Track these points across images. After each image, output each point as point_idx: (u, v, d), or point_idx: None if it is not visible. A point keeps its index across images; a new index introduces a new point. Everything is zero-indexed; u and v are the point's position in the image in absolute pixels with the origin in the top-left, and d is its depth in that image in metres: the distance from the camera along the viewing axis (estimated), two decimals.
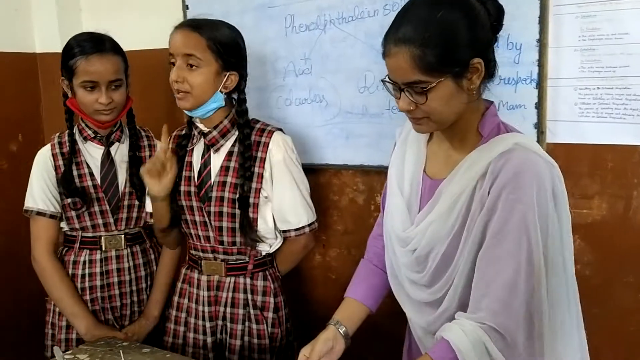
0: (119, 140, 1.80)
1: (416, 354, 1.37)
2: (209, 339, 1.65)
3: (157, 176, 1.59)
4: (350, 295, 1.41)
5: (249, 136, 1.60)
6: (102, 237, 1.77)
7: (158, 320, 1.83)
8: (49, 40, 2.44)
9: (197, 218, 1.63)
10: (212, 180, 1.61)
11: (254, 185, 1.59)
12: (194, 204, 1.63)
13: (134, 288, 1.82)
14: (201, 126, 1.63)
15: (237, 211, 1.58)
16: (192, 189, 1.63)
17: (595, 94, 1.54)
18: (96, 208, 1.75)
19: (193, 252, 1.70)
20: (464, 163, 1.17)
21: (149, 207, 1.73)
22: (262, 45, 2.02)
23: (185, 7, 2.20)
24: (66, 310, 1.74)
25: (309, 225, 1.67)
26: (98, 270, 1.76)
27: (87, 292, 1.76)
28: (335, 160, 1.96)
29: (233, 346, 1.64)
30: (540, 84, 1.58)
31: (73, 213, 1.74)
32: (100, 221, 1.76)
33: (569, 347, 1.21)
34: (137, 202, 1.79)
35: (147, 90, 2.14)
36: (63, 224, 1.78)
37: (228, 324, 1.65)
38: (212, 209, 1.60)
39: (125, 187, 1.78)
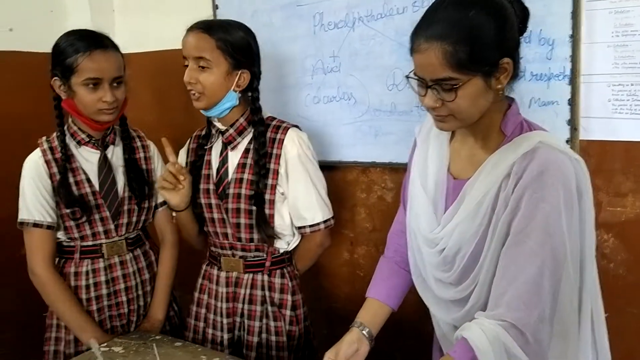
0: (113, 143, 1.73)
1: (441, 350, 1.37)
2: (226, 336, 1.67)
3: (174, 189, 1.60)
4: (373, 295, 1.41)
5: (263, 133, 1.61)
6: (104, 245, 1.70)
7: (163, 322, 1.79)
8: None
9: (216, 215, 1.65)
10: (230, 177, 1.63)
11: (269, 181, 1.60)
12: (213, 201, 1.65)
13: (140, 292, 1.78)
14: (218, 125, 1.65)
15: (254, 208, 1.60)
16: (211, 186, 1.65)
17: (629, 90, 1.51)
18: (96, 215, 1.67)
19: (213, 249, 1.72)
20: (487, 164, 1.16)
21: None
22: (290, 44, 2.04)
23: (215, 7, 2.23)
24: (71, 323, 1.66)
25: (324, 222, 1.66)
26: (103, 279, 1.70)
27: (94, 302, 1.70)
28: (363, 158, 1.96)
29: (250, 343, 1.65)
30: (573, 80, 1.56)
31: (72, 222, 1.65)
32: (100, 229, 1.68)
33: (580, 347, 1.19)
34: (136, 207, 1.74)
35: (175, 89, 2.16)
36: (60, 234, 1.68)
37: (246, 321, 1.66)
38: (230, 205, 1.62)
39: (124, 191, 1.72)
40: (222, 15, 2.19)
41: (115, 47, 1.65)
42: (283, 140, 1.61)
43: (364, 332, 1.34)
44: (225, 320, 1.67)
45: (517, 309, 1.07)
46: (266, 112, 1.67)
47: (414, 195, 1.31)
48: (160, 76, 2.45)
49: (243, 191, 1.61)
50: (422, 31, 1.10)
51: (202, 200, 1.66)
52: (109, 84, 1.60)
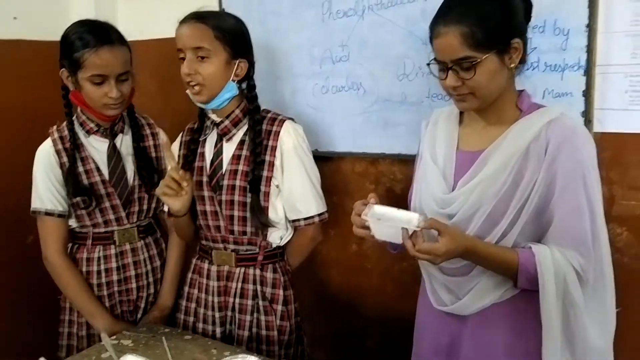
0: (122, 132, 1.75)
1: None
2: (218, 329, 1.65)
3: (175, 195, 1.55)
4: None
5: (259, 122, 1.60)
6: (115, 232, 1.73)
7: (171, 310, 1.81)
8: None
9: (208, 208, 1.63)
10: (224, 169, 1.61)
11: (265, 173, 1.58)
12: (206, 193, 1.63)
13: (151, 280, 1.80)
14: (213, 117, 1.63)
15: (248, 200, 1.58)
16: (204, 178, 1.63)
17: None
18: (107, 204, 1.70)
19: (204, 242, 1.70)
20: (509, 132, 1.25)
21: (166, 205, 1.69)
22: (298, 32, 2.00)
23: None
24: (83, 308, 1.72)
25: (319, 215, 1.65)
26: (114, 265, 1.74)
27: (105, 287, 1.74)
28: (372, 149, 1.93)
29: (241, 337, 1.64)
30: (589, 71, 1.52)
31: (83, 211, 1.69)
32: (112, 216, 1.72)
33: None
34: (146, 195, 1.76)
35: (179, 77, 2.14)
36: (72, 222, 1.73)
37: (237, 315, 1.65)
38: (224, 197, 1.60)
39: (134, 179, 1.74)
40: (229, 1, 2.15)
41: (122, 42, 1.64)
42: (279, 132, 1.60)
43: None
44: (217, 314, 1.66)
45: (582, 257, 1.17)
46: (261, 105, 1.65)
47: (425, 167, 1.40)
48: (164, 64, 2.40)
49: (237, 183, 1.59)
50: (440, 19, 1.23)
51: (196, 193, 1.64)
52: (114, 80, 1.60)
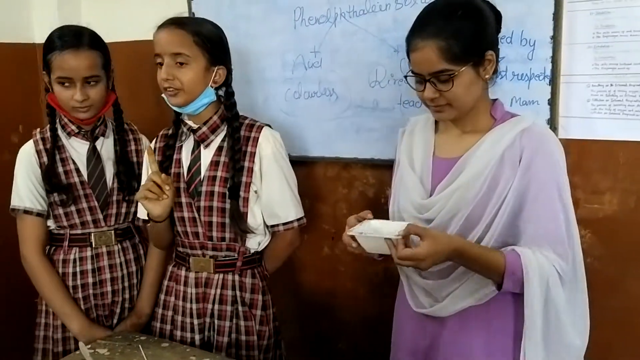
0: (103, 135, 1.77)
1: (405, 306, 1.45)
2: (197, 337, 1.64)
3: (156, 199, 1.55)
4: None
5: (237, 129, 1.61)
6: (92, 234, 1.74)
7: (149, 317, 1.80)
8: (48, 30, 2.34)
9: (186, 214, 1.62)
10: (202, 175, 1.61)
11: (244, 179, 1.59)
12: (183, 199, 1.62)
13: (126, 284, 1.79)
14: (190, 123, 1.63)
15: (227, 205, 1.59)
16: (182, 184, 1.63)
17: (608, 91, 1.55)
18: (84, 205, 1.71)
19: (180, 249, 1.69)
20: (485, 140, 1.31)
21: (141, 213, 1.70)
22: (270, 37, 2.01)
23: None
24: (58, 310, 1.72)
25: (298, 220, 1.67)
26: (89, 267, 1.74)
27: (79, 290, 1.73)
28: (345, 154, 1.96)
29: (220, 343, 1.64)
30: (554, 81, 1.59)
31: (61, 211, 1.70)
32: (89, 218, 1.72)
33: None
34: (125, 198, 1.77)
35: (147, 80, 2.11)
36: (50, 223, 1.74)
37: (216, 321, 1.64)
38: (202, 203, 1.60)
39: (113, 182, 1.75)
40: (198, 4, 2.14)
41: (93, 46, 1.64)
42: (258, 138, 1.62)
43: None
44: (195, 321, 1.65)
45: (562, 259, 1.23)
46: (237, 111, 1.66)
47: (403, 174, 1.43)
48: (130, 68, 2.38)
49: (216, 189, 1.59)
50: (417, 33, 1.27)
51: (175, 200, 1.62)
52: (81, 83, 1.62)
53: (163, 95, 1.58)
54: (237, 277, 1.65)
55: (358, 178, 2.00)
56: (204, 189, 1.60)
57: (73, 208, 1.70)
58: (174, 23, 1.54)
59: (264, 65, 2.04)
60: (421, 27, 1.26)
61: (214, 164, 1.61)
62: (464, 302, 1.29)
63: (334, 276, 2.13)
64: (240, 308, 1.64)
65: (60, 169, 1.70)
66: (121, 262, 1.78)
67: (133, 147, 1.81)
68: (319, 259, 2.14)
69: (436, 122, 1.44)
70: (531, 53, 1.60)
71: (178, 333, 1.68)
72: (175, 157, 1.66)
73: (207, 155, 1.63)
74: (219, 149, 1.62)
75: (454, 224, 1.29)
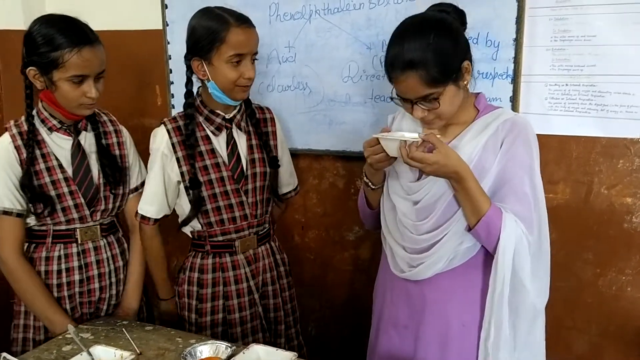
0: (85, 129, 1.68)
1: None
2: (259, 310, 1.76)
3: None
4: None
5: (254, 112, 1.74)
6: (77, 230, 1.66)
7: (137, 312, 1.77)
8: (11, 16, 2.36)
9: (233, 200, 1.66)
10: (244, 160, 1.69)
11: (274, 153, 1.76)
12: (229, 187, 1.65)
13: (113, 280, 1.74)
14: (223, 114, 1.66)
15: (267, 183, 1.73)
16: (225, 173, 1.65)
17: (563, 90, 1.70)
18: (70, 202, 1.62)
19: (221, 238, 1.69)
20: (471, 128, 1.40)
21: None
22: None
23: None
24: (41, 314, 1.63)
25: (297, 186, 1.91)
26: (75, 264, 1.66)
27: (65, 288, 1.66)
28: (317, 146, 2.04)
29: (270, 306, 1.78)
30: (515, 80, 1.73)
31: (45, 211, 1.61)
32: (75, 215, 1.64)
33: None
34: (112, 193, 1.70)
35: (119, 73, 2.11)
36: (30, 220, 1.63)
37: (269, 288, 1.78)
38: (250, 186, 1.69)
39: (99, 178, 1.67)
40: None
41: (99, 40, 1.56)
42: (273, 118, 1.79)
43: None
44: (256, 296, 1.74)
45: (531, 232, 1.35)
46: None
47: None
48: None
49: (258, 169, 1.70)
50: (396, 64, 1.31)
51: (217, 190, 1.64)
52: (93, 79, 1.54)
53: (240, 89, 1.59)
54: (273, 244, 1.81)
55: (329, 169, 2.08)
56: (249, 172, 1.69)
57: (58, 207, 1.61)
58: (250, 22, 1.62)
59: None
60: (398, 59, 1.29)
61: (250, 148, 1.70)
62: (436, 267, 1.40)
63: (303, 264, 2.20)
64: (281, 269, 1.82)
65: (42, 166, 1.60)
66: (108, 257, 1.72)
67: (114, 140, 1.74)
68: (289, 248, 2.20)
69: None
70: (495, 54, 1.74)
71: (236, 315, 1.72)
72: (204, 148, 1.64)
73: (241, 140, 1.69)
74: (248, 133, 1.71)
75: (438, 205, 1.38)
